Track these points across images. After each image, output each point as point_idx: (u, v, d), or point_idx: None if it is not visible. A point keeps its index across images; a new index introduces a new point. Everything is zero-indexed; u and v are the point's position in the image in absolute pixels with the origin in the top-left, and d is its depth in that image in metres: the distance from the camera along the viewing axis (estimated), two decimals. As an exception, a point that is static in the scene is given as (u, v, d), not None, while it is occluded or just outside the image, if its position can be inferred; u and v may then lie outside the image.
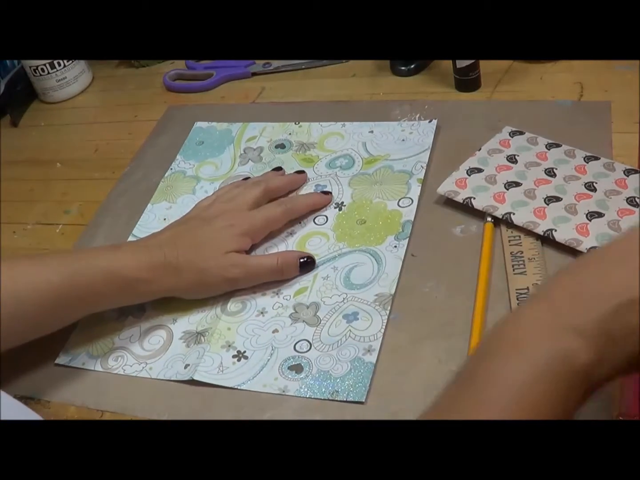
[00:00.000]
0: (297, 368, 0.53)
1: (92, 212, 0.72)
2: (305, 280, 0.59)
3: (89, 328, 0.59)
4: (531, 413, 0.34)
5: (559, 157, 0.62)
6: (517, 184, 0.60)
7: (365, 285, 0.57)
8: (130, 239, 0.67)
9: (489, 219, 0.59)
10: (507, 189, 0.60)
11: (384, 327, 0.54)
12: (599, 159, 0.61)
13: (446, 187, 0.61)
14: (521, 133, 0.66)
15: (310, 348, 0.54)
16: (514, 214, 0.57)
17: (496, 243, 0.57)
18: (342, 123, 0.74)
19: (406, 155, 0.68)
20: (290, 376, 0.53)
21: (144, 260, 0.55)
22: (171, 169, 0.74)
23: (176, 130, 0.80)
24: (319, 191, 0.66)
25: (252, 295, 0.59)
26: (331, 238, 0.62)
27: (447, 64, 0.75)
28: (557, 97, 0.70)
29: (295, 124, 0.76)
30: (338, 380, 0.51)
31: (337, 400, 0.50)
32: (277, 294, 0.59)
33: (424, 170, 0.65)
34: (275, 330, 0.56)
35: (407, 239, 0.60)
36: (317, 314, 0.56)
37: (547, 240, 0.56)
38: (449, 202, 0.60)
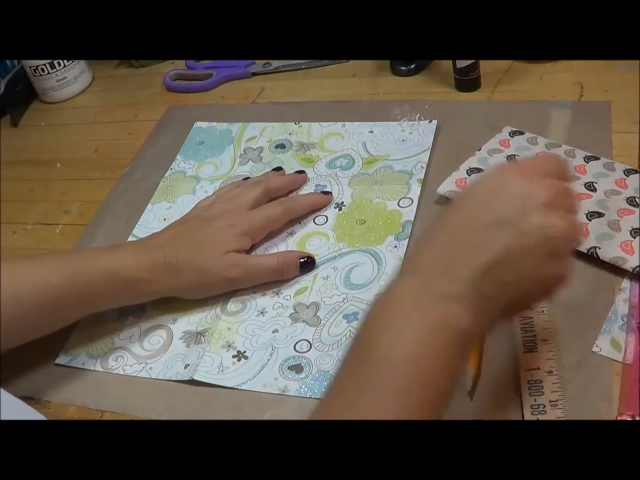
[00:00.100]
0: (297, 368, 0.53)
1: (92, 212, 0.72)
2: (306, 280, 0.59)
3: (89, 328, 0.59)
4: (426, 382, 0.36)
5: (559, 157, 0.62)
6: (517, 184, 0.60)
7: (365, 285, 0.57)
8: (130, 239, 0.67)
9: (489, 219, 0.59)
10: (507, 189, 0.60)
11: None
12: (599, 159, 0.61)
13: (446, 187, 0.61)
14: (521, 133, 0.66)
15: (310, 348, 0.54)
16: (514, 214, 0.57)
17: (496, 243, 0.57)
18: (342, 123, 0.74)
19: (406, 155, 0.68)
20: (290, 376, 0.53)
21: (144, 260, 0.55)
22: (171, 169, 0.74)
23: (176, 130, 0.80)
24: (319, 191, 0.66)
25: (252, 295, 0.59)
26: (331, 238, 0.62)
27: (447, 64, 0.75)
28: (557, 97, 0.70)
29: (295, 124, 0.76)
30: (338, 380, 0.51)
31: (337, 400, 0.50)
32: (277, 294, 0.59)
33: (424, 171, 0.65)
34: (276, 330, 0.56)
35: (407, 239, 0.60)
36: (317, 314, 0.56)
37: (547, 240, 0.56)
38: (448, 202, 0.60)
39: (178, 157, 0.76)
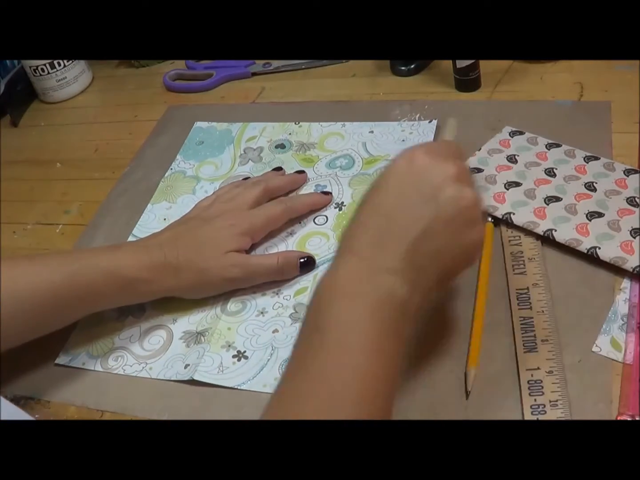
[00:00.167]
0: (297, 368, 0.53)
1: (92, 212, 0.72)
2: (305, 280, 0.59)
3: (89, 328, 0.59)
4: (376, 351, 0.40)
5: (559, 157, 0.62)
6: (517, 184, 0.60)
7: (365, 285, 0.57)
8: (130, 239, 0.67)
9: (489, 219, 0.59)
10: (507, 189, 0.60)
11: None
12: (599, 159, 0.61)
13: (446, 187, 0.61)
14: (521, 133, 0.66)
15: (310, 348, 0.54)
16: (514, 214, 0.57)
17: (496, 243, 0.57)
18: (342, 123, 0.74)
19: (406, 155, 0.68)
20: (290, 376, 0.52)
21: (144, 260, 0.55)
22: (171, 169, 0.74)
23: (176, 130, 0.80)
24: (319, 191, 0.66)
25: (252, 295, 0.59)
26: (331, 238, 0.62)
27: (447, 64, 0.75)
28: (557, 97, 0.70)
29: (295, 124, 0.76)
30: (338, 380, 0.51)
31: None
32: (277, 294, 0.59)
33: (424, 170, 0.65)
34: (276, 330, 0.56)
35: (407, 239, 0.60)
36: (317, 314, 0.56)
37: (547, 240, 0.56)
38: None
39: (178, 157, 0.76)
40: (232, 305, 0.58)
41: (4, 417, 0.34)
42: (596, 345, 0.49)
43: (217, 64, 0.87)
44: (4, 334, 0.51)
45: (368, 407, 0.38)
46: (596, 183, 0.59)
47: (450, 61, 0.73)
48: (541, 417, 0.45)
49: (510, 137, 0.66)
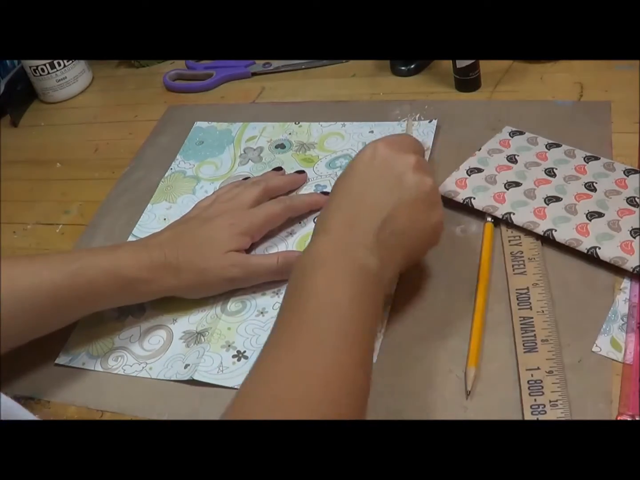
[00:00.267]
0: (297, 368, 0.53)
1: (92, 212, 0.72)
2: (305, 280, 0.59)
3: (89, 328, 0.59)
4: (354, 319, 0.43)
5: (559, 157, 0.62)
6: (517, 184, 0.60)
7: (365, 285, 0.57)
8: (130, 239, 0.67)
9: (489, 219, 0.59)
10: (507, 189, 0.60)
11: (383, 327, 0.54)
12: (599, 159, 0.61)
13: (446, 187, 0.61)
14: (521, 133, 0.66)
15: (310, 348, 0.54)
16: (514, 214, 0.57)
17: (496, 243, 0.57)
18: (342, 123, 0.74)
19: (406, 155, 0.68)
20: (290, 376, 0.52)
21: (144, 260, 0.55)
22: (171, 169, 0.74)
23: (176, 130, 0.80)
24: (319, 191, 0.66)
25: (252, 295, 0.59)
26: (331, 238, 0.62)
27: (447, 64, 0.75)
28: (557, 97, 0.70)
29: (295, 124, 0.76)
30: (338, 380, 0.51)
31: (337, 400, 0.50)
32: (277, 294, 0.59)
33: (424, 170, 0.65)
34: (275, 330, 0.56)
35: (407, 239, 0.60)
36: (317, 314, 0.56)
37: (547, 240, 0.56)
38: (449, 202, 0.60)
39: (178, 157, 0.76)
40: (232, 305, 0.58)
41: (4, 413, 0.34)
42: (596, 345, 0.49)
43: (217, 64, 0.87)
44: (4, 334, 0.51)
45: (349, 353, 0.41)
46: (596, 183, 0.59)
47: (450, 61, 0.73)
48: (541, 417, 0.45)
49: (510, 137, 0.66)
